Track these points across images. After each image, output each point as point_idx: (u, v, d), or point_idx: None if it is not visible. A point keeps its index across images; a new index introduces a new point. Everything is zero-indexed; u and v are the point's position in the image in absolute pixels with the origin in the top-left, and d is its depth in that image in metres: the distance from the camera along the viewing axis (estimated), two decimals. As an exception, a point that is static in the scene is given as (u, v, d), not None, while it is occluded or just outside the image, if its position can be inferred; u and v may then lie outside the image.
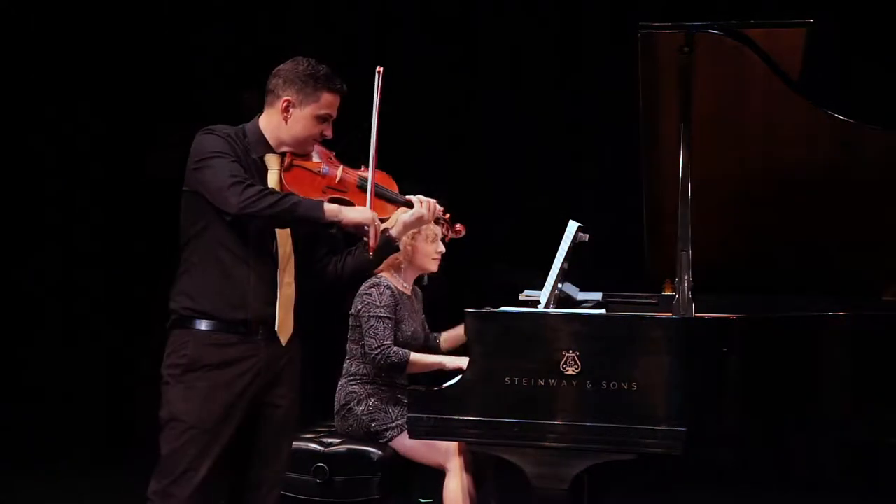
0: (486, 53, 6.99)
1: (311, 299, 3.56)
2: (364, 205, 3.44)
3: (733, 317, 3.46)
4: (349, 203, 3.44)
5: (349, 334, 4.51)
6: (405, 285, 4.55)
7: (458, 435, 3.51)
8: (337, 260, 3.61)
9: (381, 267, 4.49)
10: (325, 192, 3.44)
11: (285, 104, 3.45)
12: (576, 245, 4.01)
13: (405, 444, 4.28)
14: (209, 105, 6.86)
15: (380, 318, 4.36)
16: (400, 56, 6.99)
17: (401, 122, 6.71)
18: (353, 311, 4.48)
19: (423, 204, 3.55)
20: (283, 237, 3.46)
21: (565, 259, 3.93)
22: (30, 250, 7.27)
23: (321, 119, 3.47)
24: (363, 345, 4.40)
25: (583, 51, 6.82)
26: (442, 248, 4.55)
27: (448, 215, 3.68)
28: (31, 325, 7.31)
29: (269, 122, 3.49)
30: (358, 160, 3.54)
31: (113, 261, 7.18)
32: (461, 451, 4.24)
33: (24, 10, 7.10)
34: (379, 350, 4.33)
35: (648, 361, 3.33)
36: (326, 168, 3.49)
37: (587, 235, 4.11)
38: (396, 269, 4.52)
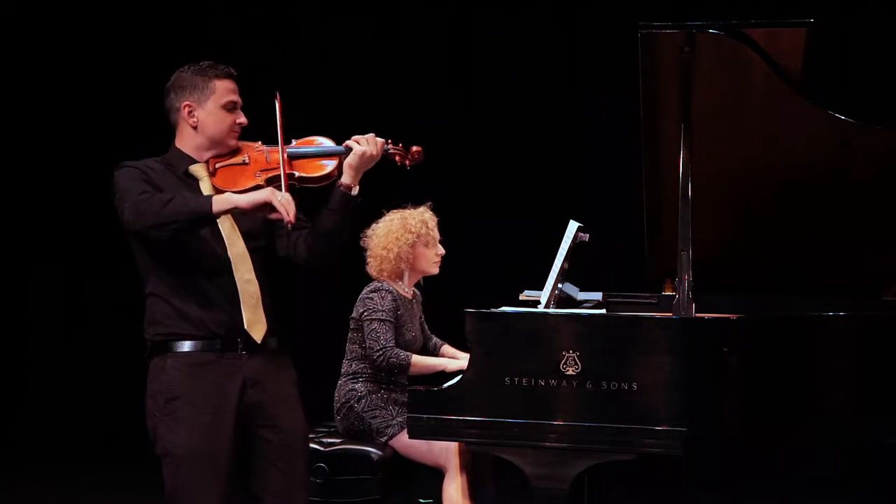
0: (486, 53, 6.99)
1: (302, 301, 3.52)
2: (306, 169, 3.42)
3: (733, 317, 3.46)
4: (289, 175, 3.39)
5: (349, 335, 4.51)
6: (406, 290, 4.55)
7: (458, 435, 3.51)
8: (306, 234, 3.50)
9: (382, 273, 4.49)
10: (258, 176, 3.42)
11: (187, 109, 3.43)
12: (576, 245, 4.00)
13: (405, 442, 4.27)
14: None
15: (381, 321, 4.36)
16: (399, 54, 7.01)
17: (399, 121, 6.76)
18: (354, 314, 4.48)
19: (364, 142, 3.42)
20: (232, 237, 3.40)
21: (565, 259, 3.93)
22: (29, 249, 7.28)
23: (227, 108, 3.45)
24: (364, 347, 4.40)
25: (583, 50, 6.82)
26: (442, 251, 4.57)
27: (400, 144, 3.56)
28: (30, 326, 7.32)
29: (183, 137, 3.47)
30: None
31: (111, 260, 7.17)
32: (461, 452, 4.24)
33: (25, 10, 7.10)
34: (381, 352, 4.33)
35: (648, 361, 3.33)
36: (248, 157, 3.46)
37: (587, 235, 4.11)
38: (399, 275, 4.52)
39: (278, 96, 3.49)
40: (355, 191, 3.45)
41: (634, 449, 3.33)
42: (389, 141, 3.52)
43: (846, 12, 6.37)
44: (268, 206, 3.27)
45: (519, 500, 3.78)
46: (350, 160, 3.43)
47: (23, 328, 7.33)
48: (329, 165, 3.48)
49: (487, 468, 4.42)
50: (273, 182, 3.40)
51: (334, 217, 3.46)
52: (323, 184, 3.49)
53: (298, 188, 3.45)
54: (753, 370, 3.42)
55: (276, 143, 3.46)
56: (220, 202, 3.26)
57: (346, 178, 3.44)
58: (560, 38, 6.89)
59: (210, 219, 3.28)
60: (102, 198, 7.15)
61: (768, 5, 6.02)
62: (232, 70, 3.50)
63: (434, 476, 4.35)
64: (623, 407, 3.31)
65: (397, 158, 3.55)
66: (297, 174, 3.45)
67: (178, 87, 3.45)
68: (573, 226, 4.02)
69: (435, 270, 4.58)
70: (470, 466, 4.29)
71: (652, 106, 3.82)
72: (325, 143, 3.53)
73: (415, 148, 3.57)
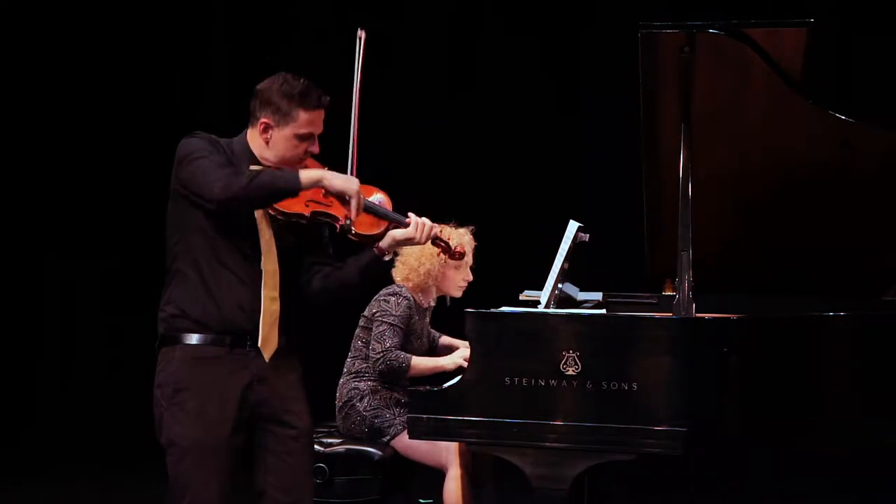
0: (486, 52, 6.99)
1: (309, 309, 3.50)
2: (350, 215, 3.33)
3: (733, 317, 3.46)
4: (333, 217, 3.35)
5: (357, 332, 4.51)
6: (424, 302, 4.55)
7: (458, 435, 3.51)
8: (327, 273, 3.49)
9: (408, 282, 4.48)
10: (307, 206, 3.35)
11: (263, 125, 3.37)
12: (576, 245, 4.01)
13: (406, 443, 4.28)
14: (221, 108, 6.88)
15: (391, 325, 4.36)
16: (398, 54, 7.01)
17: (399, 121, 6.77)
18: (366, 312, 4.49)
19: (417, 227, 3.41)
20: (269, 251, 3.37)
21: (565, 259, 3.93)
22: (29, 252, 7.28)
23: (301, 138, 3.37)
24: (369, 346, 4.41)
25: (583, 50, 6.82)
26: (470, 277, 4.56)
27: (450, 237, 3.57)
28: (29, 329, 7.33)
29: (254, 139, 3.42)
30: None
31: (111, 260, 7.18)
32: (461, 452, 4.24)
33: (27, 10, 7.10)
34: (382, 354, 4.33)
35: (648, 361, 3.33)
36: None
37: (587, 235, 4.11)
38: (423, 289, 4.51)
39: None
40: (388, 257, 3.47)
41: (634, 449, 3.33)
42: (442, 230, 3.49)
43: (846, 12, 6.37)
44: (345, 197, 3.28)
45: (519, 500, 3.78)
46: (396, 234, 3.42)
47: (30, 329, 7.33)
48: (380, 228, 3.40)
49: (487, 468, 4.42)
50: (318, 217, 3.36)
51: (359, 275, 3.46)
52: (365, 241, 3.43)
53: (338, 233, 3.40)
54: (753, 370, 3.42)
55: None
56: (307, 176, 3.27)
57: (384, 244, 3.43)
58: (560, 38, 6.89)
59: (297, 193, 3.30)
60: (103, 198, 7.17)
61: (768, 5, 6.02)
62: (323, 99, 3.39)
63: (434, 476, 4.35)
64: (623, 407, 3.32)
65: (439, 252, 3.59)
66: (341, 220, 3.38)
67: (264, 100, 3.37)
68: (573, 226, 4.02)
69: (458, 294, 4.57)
70: (470, 466, 4.29)
71: (652, 106, 3.82)
72: (381, 199, 3.45)
73: (459, 249, 3.57)
